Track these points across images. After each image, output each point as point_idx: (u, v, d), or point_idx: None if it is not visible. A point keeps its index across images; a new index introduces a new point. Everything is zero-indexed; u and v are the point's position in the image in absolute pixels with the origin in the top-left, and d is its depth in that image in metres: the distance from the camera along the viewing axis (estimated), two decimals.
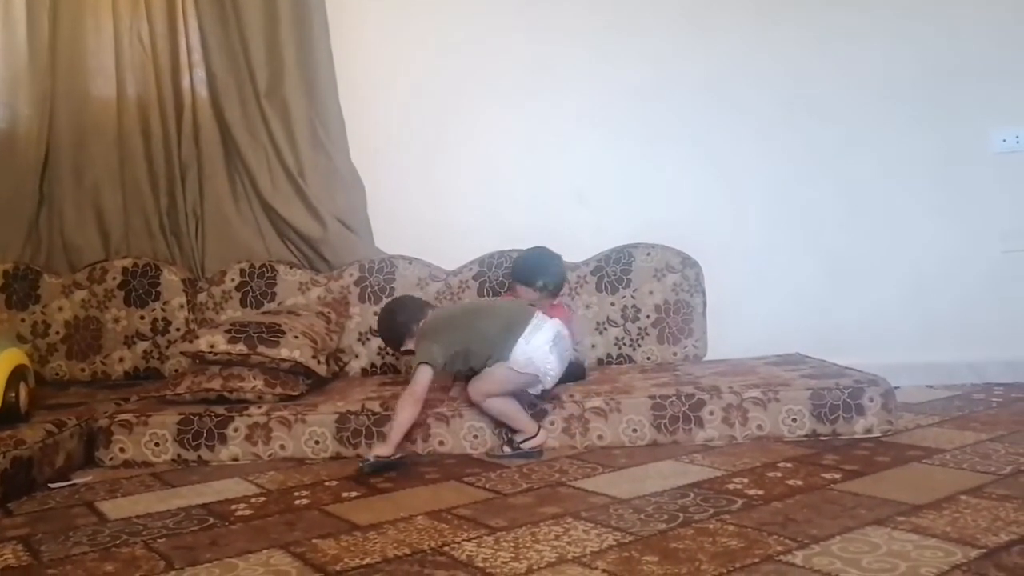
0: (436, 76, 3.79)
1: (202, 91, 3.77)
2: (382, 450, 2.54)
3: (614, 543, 1.86)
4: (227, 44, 3.69)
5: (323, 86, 3.69)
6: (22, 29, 3.77)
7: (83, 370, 3.64)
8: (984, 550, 1.71)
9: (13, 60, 3.80)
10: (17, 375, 2.72)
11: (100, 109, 3.81)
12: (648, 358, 3.54)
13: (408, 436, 2.66)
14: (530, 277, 3.26)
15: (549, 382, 2.70)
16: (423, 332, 2.76)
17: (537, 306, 3.05)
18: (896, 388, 3.11)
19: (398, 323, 2.87)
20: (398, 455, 2.57)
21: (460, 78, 3.79)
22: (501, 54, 3.78)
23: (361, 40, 3.77)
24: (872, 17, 3.69)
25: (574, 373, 3.19)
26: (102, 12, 3.77)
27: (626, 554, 1.79)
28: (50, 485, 2.57)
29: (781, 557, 1.73)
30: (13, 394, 2.68)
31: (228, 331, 2.98)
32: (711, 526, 1.94)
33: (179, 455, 2.81)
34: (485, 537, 1.94)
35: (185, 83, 3.76)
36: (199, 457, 2.80)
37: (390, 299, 3.29)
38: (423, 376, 2.63)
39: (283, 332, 3.01)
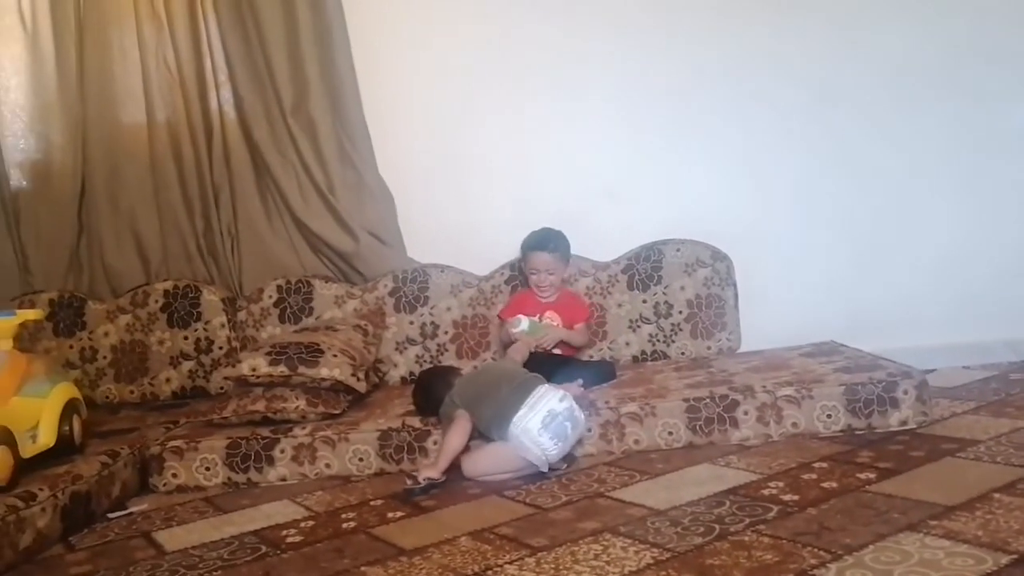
0: (459, 82, 3.80)
1: (230, 112, 3.83)
2: (431, 472, 2.59)
3: (651, 561, 1.91)
4: (251, 63, 3.74)
5: (347, 101, 3.73)
6: (51, 61, 3.85)
7: (132, 392, 3.75)
8: (1015, 556, 1.74)
9: (44, 91, 3.88)
10: (70, 409, 2.82)
11: (131, 135, 3.88)
12: (682, 353, 3.58)
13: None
14: (542, 243, 3.45)
15: (551, 458, 2.63)
16: (448, 401, 2.82)
17: (551, 284, 3.41)
18: (931, 371, 3.15)
19: (433, 401, 2.90)
20: (444, 478, 2.62)
21: (484, 82, 3.79)
22: (524, 56, 3.78)
23: (383, 50, 3.79)
24: (898, 6, 3.68)
25: (605, 373, 3.24)
26: (127, 39, 3.83)
27: (663, 573, 1.84)
28: (108, 516, 2.67)
29: (815, 571, 1.77)
30: (67, 427, 2.78)
31: (269, 353, 3.06)
32: (746, 538, 1.98)
33: (229, 478, 2.90)
34: (527, 559, 2.00)
35: (213, 105, 3.81)
36: (248, 479, 2.89)
37: (421, 374, 3.25)
38: (462, 415, 2.72)
39: (322, 351, 3.08)
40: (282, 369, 3.00)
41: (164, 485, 2.90)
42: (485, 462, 2.68)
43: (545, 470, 2.61)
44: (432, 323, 3.67)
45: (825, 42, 3.70)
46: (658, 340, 3.60)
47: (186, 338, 3.74)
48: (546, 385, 2.72)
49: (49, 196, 3.90)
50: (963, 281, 3.66)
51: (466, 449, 2.72)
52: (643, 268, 3.64)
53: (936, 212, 3.70)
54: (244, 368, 3.03)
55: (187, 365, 3.74)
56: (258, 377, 3.02)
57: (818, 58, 3.71)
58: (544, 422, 2.59)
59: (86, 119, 3.84)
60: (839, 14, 3.70)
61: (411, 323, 3.67)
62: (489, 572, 1.95)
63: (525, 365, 3.02)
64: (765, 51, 3.72)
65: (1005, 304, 3.62)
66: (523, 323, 3.30)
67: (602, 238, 3.69)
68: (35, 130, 3.93)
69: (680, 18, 3.75)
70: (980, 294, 3.65)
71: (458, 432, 2.68)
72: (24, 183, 3.95)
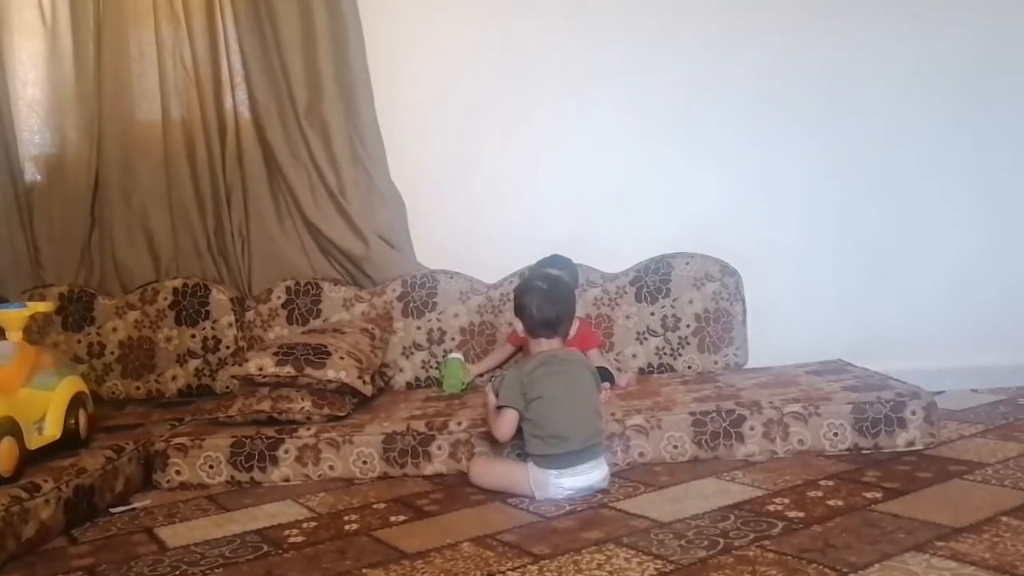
0: (471, 89, 3.82)
1: (244, 112, 3.85)
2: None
3: (655, 573, 1.90)
4: (267, 66, 3.76)
5: (361, 104, 3.74)
6: (68, 57, 3.87)
7: (138, 388, 3.75)
8: None
9: (60, 87, 3.90)
10: (76, 403, 2.82)
11: (146, 133, 3.90)
12: (689, 367, 3.57)
13: None
14: (550, 262, 3.42)
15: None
16: (514, 379, 2.59)
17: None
18: (940, 393, 3.13)
19: (566, 314, 2.67)
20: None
21: (496, 90, 3.82)
22: (536, 64, 3.80)
23: (397, 55, 3.81)
24: (908, 12, 3.68)
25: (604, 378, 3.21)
26: (145, 37, 3.85)
27: None
28: (111, 510, 2.66)
29: None
30: (73, 421, 2.78)
31: (276, 353, 3.06)
32: (751, 553, 1.97)
33: (233, 477, 2.89)
34: (529, 566, 1.99)
35: (228, 105, 3.83)
36: (252, 479, 2.88)
37: (556, 281, 2.78)
38: (509, 417, 2.56)
39: (329, 353, 3.08)
40: (288, 369, 3.00)
41: (167, 482, 2.90)
42: (493, 479, 2.64)
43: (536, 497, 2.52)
44: (439, 329, 3.66)
45: (835, 50, 3.71)
46: (665, 353, 3.59)
47: (194, 336, 3.75)
48: (602, 457, 2.57)
49: (63, 191, 3.91)
50: (974, 303, 3.66)
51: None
52: (652, 280, 3.64)
53: (949, 231, 3.70)
54: (251, 367, 3.03)
55: (194, 363, 3.74)
56: (264, 377, 3.02)
57: (831, 68, 3.72)
58: (579, 490, 2.50)
59: (102, 115, 3.85)
60: (849, 22, 3.69)
61: (418, 328, 3.67)
62: None
63: None
64: (774, 60, 3.73)
65: (1016, 328, 3.62)
66: (452, 357, 3.48)
67: (611, 249, 3.70)
68: (51, 125, 3.94)
69: (689, 27, 3.76)
70: (991, 317, 3.65)
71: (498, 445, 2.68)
72: (38, 177, 3.96)
